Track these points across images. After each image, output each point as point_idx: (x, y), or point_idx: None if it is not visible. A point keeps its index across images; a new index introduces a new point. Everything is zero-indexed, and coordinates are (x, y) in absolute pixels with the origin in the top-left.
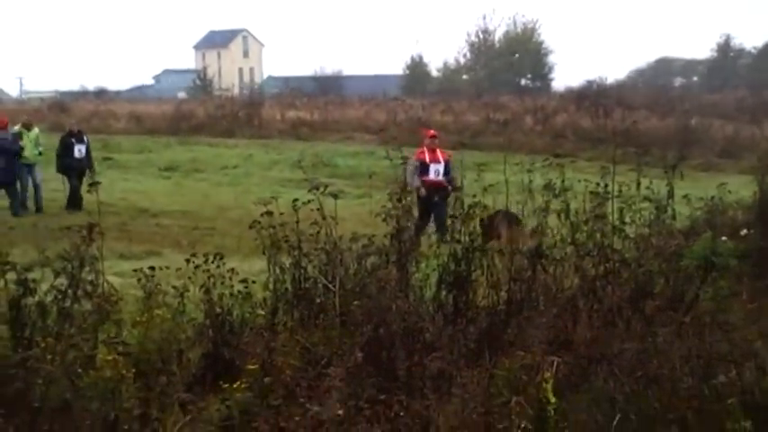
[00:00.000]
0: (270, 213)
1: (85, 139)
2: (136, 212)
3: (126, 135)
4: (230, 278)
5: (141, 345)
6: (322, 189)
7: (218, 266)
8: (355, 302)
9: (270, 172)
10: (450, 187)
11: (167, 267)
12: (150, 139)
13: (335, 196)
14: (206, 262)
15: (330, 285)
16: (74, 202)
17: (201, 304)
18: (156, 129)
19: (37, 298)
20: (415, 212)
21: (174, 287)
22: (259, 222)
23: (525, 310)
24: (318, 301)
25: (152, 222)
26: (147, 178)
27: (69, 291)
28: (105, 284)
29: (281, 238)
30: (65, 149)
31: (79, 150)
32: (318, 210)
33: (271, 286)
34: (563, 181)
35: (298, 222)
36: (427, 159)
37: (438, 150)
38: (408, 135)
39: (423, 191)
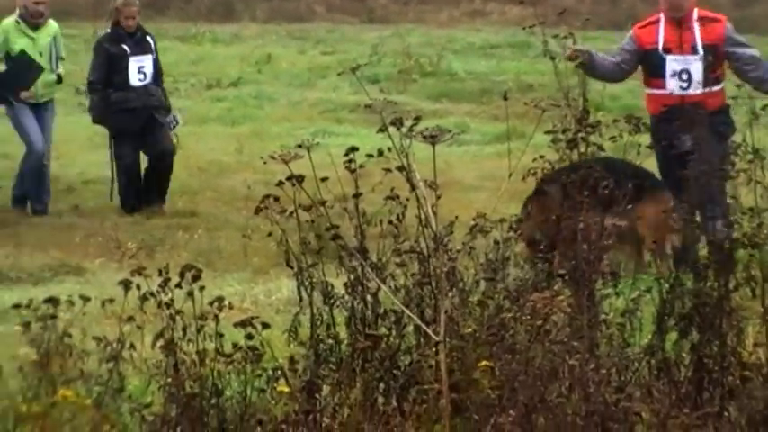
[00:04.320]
0: (300, 180)
1: (150, 43)
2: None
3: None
4: (218, 319)
5: None
6: (409, 125)
7: (190, 294)
8: (482, 363)
9: (309, 91)
10: (725, 111)
11: (88, 299)
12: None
13: (434, 141)
14: (165, 287)
15: (429, 330)
16: (131, 189)
17: (158, 376)
18: (67, 10)
19: None
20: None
21: (99, 340)
22: (277, 199)
23: None
24: (407, 362)
25: (64, 204)
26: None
27: None
28: None
29: (325, 233)
30: (109, 71)
31: (140, 71)
32: (403, 170)
33: (305, 334)
34: None
35: (358, 197)
36: (658, 44)
37: (693, 22)
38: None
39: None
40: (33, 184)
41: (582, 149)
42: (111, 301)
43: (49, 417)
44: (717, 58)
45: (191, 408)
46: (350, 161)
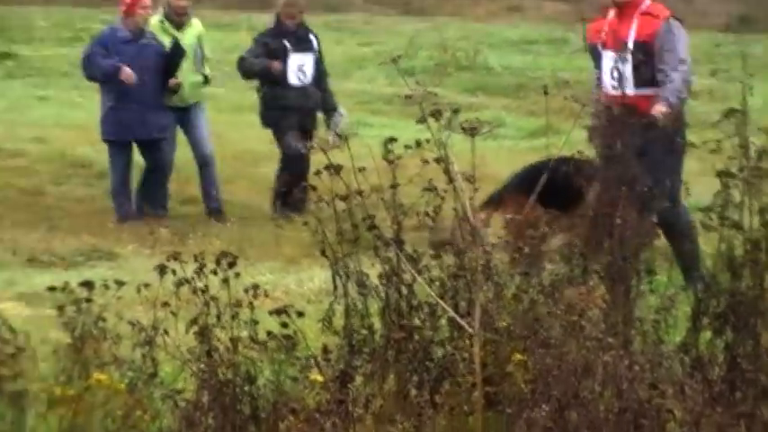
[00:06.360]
0: (338, 169)
1: (312, 41)
2: (65, 168)
3: (46, 4)
4: (253, 307)
5: None
6: (446, 117)
7: (225, 281)
8: (516, 357)
9: (346, 82)
10: (662, 112)
11: (121, 284)
12: (93, 13)
13: (473, 132)
14: (200, 273)
15: (464, 323)
16: (287, 191)
17: (192, 362)
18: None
19: None
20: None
21: (133, 325)
22: (314, 188)
23: None
24: (440, 354)
25: (99, 188)
26: (87, 96)
27: None
28: None
29: (360, 223)
30: (267, 69)
31: (300, 69)
32: (441, 161)
33: (339, 324)
34: None
35: (395, 188)
36: (599, 39)
37: (635, 15)
38: None
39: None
40: (158, 188)
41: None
42: (146, 286)
43: (83, 401)
44: (649, 58)
45: (223, 395)
46: (388, 152)
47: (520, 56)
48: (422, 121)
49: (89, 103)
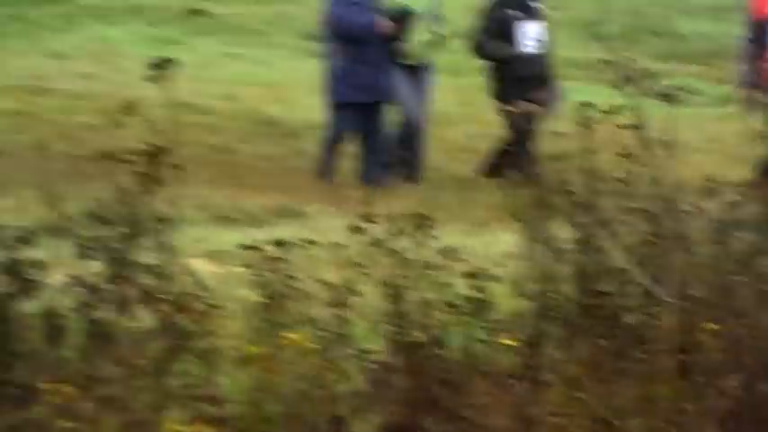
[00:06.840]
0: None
1: (539, 8)
2: (254, 126)
3: None
4: (444, 269)
5: (255, 405)
6: (642, 84)
7: (417, 244)
8: (709, 325)
9: None
10: None
11: (312, 243)
12: None
13: (668, 98)
14: (394, 235)
15: (657, 290)
16: (504, 158)
17: (383, 324)
18: None
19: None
20: None
21: (326, 284)
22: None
23: None
24: (631, 321)
25: (287, 147)
26: (279, 55)
27: (105, 289)
28: (184, 277)
29: (553, 188)
30: (498, 35)
31: (536, 38)
32: (635, 128)
33: (529, 288)
34: None
35: (591, 153)
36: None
37: None
38: None
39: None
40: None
41: None
42: (339, 245)
43: (274, 359)
44: None
45: (414, 356)
46: (583, 117)
47: (711, 22)
48: (618, 86)
49: (280, 62)
